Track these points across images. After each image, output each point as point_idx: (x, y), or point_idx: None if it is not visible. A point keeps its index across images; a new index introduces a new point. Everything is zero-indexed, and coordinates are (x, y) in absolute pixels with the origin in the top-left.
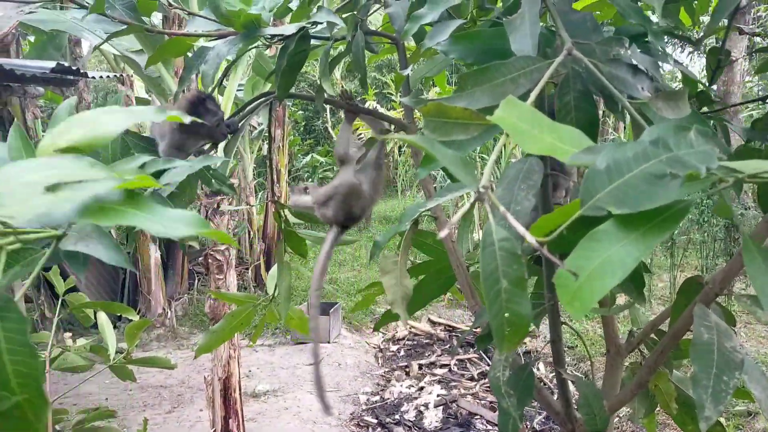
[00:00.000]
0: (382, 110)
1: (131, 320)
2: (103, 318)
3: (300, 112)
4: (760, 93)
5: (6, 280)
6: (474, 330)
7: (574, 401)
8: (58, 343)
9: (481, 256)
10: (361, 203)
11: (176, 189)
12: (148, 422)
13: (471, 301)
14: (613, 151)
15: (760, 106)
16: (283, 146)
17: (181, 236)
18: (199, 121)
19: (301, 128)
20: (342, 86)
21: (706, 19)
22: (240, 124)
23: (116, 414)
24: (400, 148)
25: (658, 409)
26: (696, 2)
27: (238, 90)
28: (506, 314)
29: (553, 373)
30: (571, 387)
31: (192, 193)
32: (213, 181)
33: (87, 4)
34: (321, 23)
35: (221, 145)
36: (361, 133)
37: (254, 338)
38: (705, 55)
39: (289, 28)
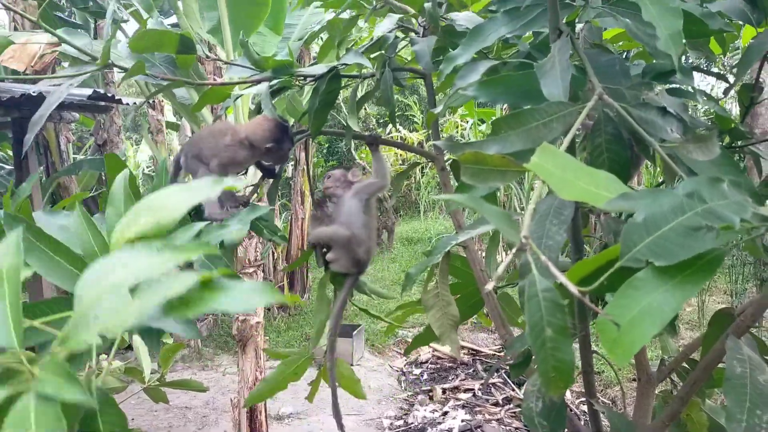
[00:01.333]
0: (404, 132)
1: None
2: (138, 340)
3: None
4: None
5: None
6: (506, 361)
7: None
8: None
9: (527, 307)
10: (363, 249)
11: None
12: None
13: (501, 330)
14: (650, 203)
15: None
16: (307, 168)
17: (260, 305)
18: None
19: (325, 150)
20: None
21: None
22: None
23: None
24: (422, 169)
25: None
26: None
27: None
28: (552, 361)
29: (579, 400)
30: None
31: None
32: (265, 231)
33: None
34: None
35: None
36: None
37: (311, 396)
38: (737, 92)
39: (319, 69)
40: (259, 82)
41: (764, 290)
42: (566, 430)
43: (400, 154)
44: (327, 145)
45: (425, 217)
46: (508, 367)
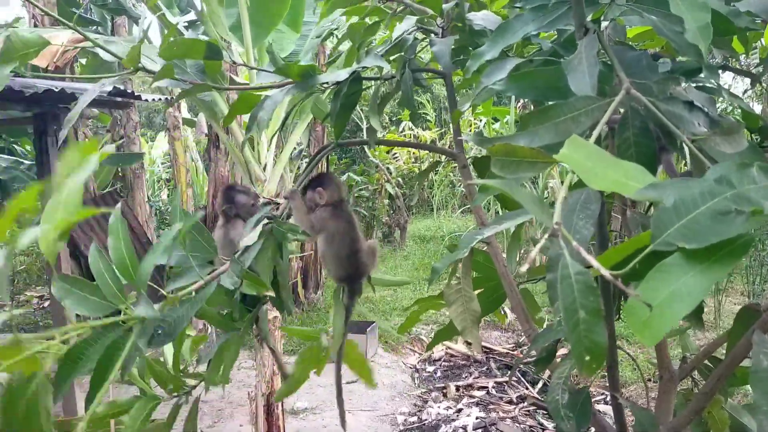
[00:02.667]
0: (418, 131)
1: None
2: None
3: None
4: None
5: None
6: (528, 357)
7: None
8: None
9: (560, 289)
10: (356, 258)
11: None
12: None
13: (525, 325)
14: (679, 189)
15: None
16: (321, 166)
17: None
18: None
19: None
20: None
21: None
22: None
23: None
24: (434, 167)
25: None
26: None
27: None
28: (585, 342)
29: (600, 396)
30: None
31: (275, 251)
32: (287, 234)
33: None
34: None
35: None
36: (396, 153)
37: (318, 371)
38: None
39: (341, 74)
40: (283, 86)
41: None
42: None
43: (413, 152)
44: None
45: (438, 215)
46: (528, 364)
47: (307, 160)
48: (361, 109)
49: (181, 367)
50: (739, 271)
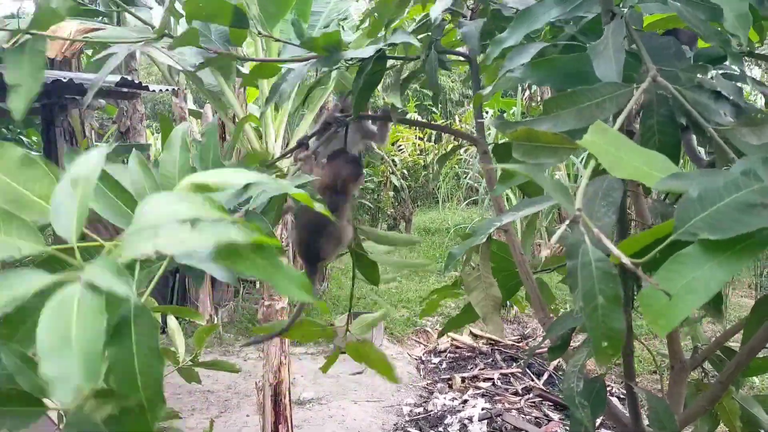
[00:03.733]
0: (424, 121)
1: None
2: (173, 322)
3: None
4: None
5: (133, 287)
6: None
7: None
8: None
9: (580, 275)
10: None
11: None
12: (208, 424)
13: (540, 314)
14: (704, 180)
15: None
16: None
17: (294, 298)
18: None
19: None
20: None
21: None
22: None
23: (180, 416)
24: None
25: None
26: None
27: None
28: (603, 329)
29: (609, 387)
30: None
31: (279, 212)
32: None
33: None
34: (397, 44)
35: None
36: (401, 145)
37: (325, 368)
38: None
39: (367, 51)
40: (307, 60)
41: None
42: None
43: (418, 144)
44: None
45: (443, 208)
46: (535, 355)
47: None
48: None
49: (190, 357)
50: (745, 266)
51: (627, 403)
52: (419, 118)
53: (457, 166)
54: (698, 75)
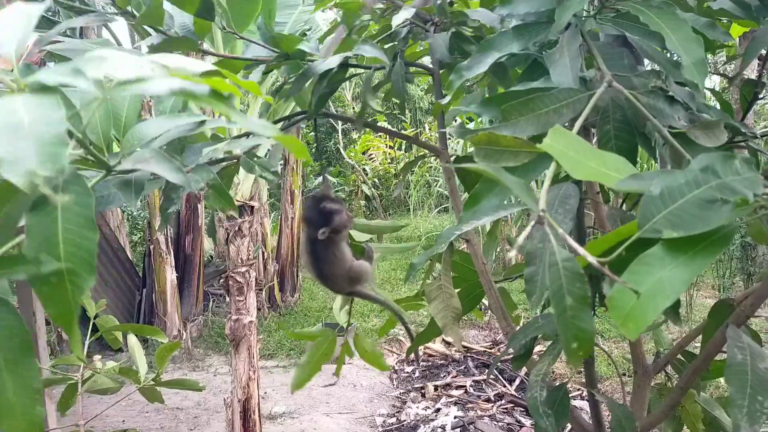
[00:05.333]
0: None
1: (147, 341)
2: (133, 340)
3: (312, 133)
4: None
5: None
6: (507, 354)
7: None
8: (88, 365)
9: (548, 276)
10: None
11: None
12: None
13: (503, 322)
14: (665, 179)
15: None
16: (296, 167)
17: (267, 135)
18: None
19: (314, 149)
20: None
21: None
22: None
23: None
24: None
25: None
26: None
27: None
28: (573, 330)
29: (576, 393)
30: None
31: (228, 183)
32: (256, 167)
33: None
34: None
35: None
36: (372, 154)
37: (337, 371)
38: (739, 87)
39: (333, 60)
40: (271, 62)
41: (764, 279)
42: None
43: (389, 153)
44: (315, 145)
45: (414, 216)
46: (505, 362)
47: (282, 163)
48: (336, 110)
49: (153, 377)
50: (709, 265)
51: (589, 409)
52: (389, 127)
53: (427, 174)
54: (653, 80)
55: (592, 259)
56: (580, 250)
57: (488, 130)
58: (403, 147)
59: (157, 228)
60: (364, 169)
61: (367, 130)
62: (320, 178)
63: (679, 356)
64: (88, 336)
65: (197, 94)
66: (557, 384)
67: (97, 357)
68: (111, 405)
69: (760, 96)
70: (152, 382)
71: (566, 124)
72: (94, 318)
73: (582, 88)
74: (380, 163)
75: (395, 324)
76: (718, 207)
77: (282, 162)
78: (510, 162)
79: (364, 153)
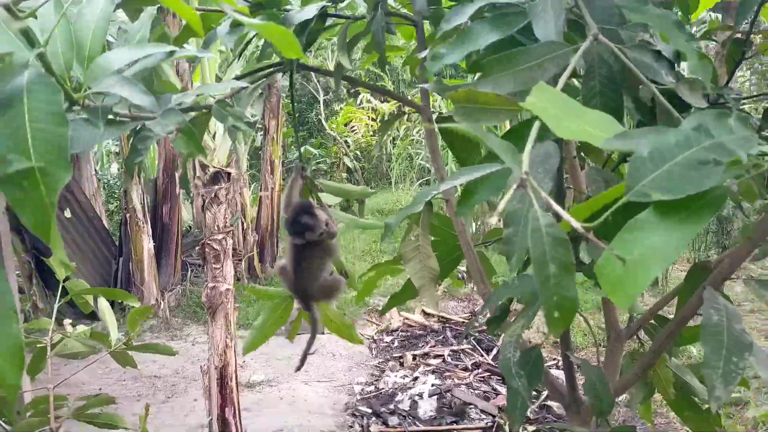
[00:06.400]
0: (375, 103)
1: (125, 310)
2: (104, 304)
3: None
4: (753, 89)
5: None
6: (470, 323)
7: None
8: (58, 329)
9: (530, 242)
10: (288, 284)
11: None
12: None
13: (480, 285)
14: (654, 138)
15: (756, 101)
16: (276, 137)
17: (247, 24)
18: None
19: (295, 119)
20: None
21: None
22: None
23: (116, 401)
24: (393, 140)
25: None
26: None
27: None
28: (555, 298)
29: (552, 362)
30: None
31: (201, 134)
32: (229, 117)
33: None
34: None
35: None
36: (354, 126)
37: (292, 335)
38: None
39: (309, 11)
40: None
41: (740, 242)
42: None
43: (371, 126)
44: (297, 115)
45: (396, 189)
46: (483, 332)
47: (262, 133)
48: (318, 80)
49: (123, 341)
50: (703, 224)
51: (563, 372)
52: (372, 99)
53: (410, 147)
54: (640, 34)
55: (577, 225)
56: (565, 215)
57: (468, 86)
58: (387, 119)
59: (122, 184)
60: (346, 141)
61: (350, 101)
62: (300, 153)
63: (652, 321)
64: (58, 299)
65: None
66: (532, 345)
67: (67, 321)
68: (80, 369)
69: (747, 56)
70: (123, 346)
71: (550, 81)
72: (64, 281)
73: (566, 41)
74: (362, 136)
75: (373, 288)
76: (710, 168)
77: (261, 132)
78: (491, 121)
79: (346, 125)
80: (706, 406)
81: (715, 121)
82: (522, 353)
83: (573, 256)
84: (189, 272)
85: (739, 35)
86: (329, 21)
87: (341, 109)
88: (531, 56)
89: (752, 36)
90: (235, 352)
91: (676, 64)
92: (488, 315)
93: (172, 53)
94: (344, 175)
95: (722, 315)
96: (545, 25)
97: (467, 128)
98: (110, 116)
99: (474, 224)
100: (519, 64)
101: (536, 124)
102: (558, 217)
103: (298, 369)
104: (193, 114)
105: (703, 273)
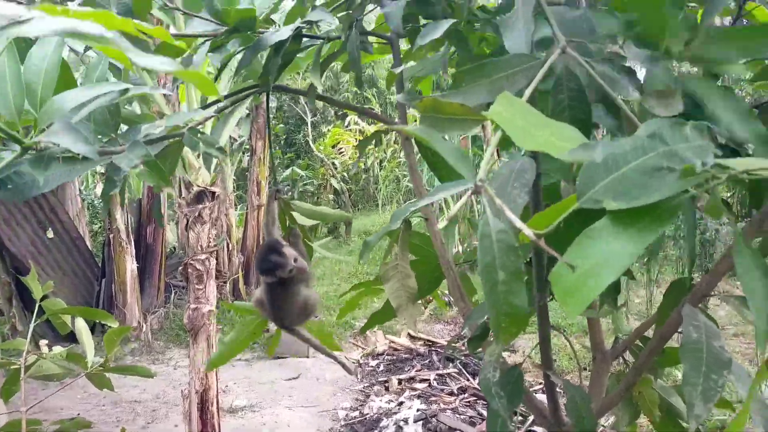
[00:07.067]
0: (363, 125)
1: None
2: (81, 324)
3: (281, 125)
4: None
5: None
6: (454, 344)
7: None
8: (34, 350)
9: (479, 248)
10: (266, 316)
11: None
12: None
13: (461, 303)
14: (609, 145)
15: None
16: (263, 158)
17: (166, 70)
18: None
19: (282, 141)
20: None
21: None
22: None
23: (92, 425)
24: (380, 162)
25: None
26: None
27: None
28: (504, 306)
29: (539, 387)
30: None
31: (174, 162)
32: (200, 144)
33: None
34: (315, 22)
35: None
36: (341, 148)
37: (270, 350)
38: None
39: (284, 32)
40: (217, 36)
41: (720, 258)
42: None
43: (355, 148)
44: (284, 136)
45: (383, 211)
46: (468, 356)
47: (249, 154)
48: (306, 103)
49: (100, 363)
50: (669, 262)
51: (545, 392)
52: (359, 121)
53: (397, 169)
54: (609, 45)
55: (529, 232)
56: (517, 222)
57: (437, 96)
58: (374, 141)
59: (101, 211)
60: (333, 163)
61: (337, 123)
62: (287, 172)
63: (637, 342)
64: (34, 319)
65: (90, 34)
66: (511, 365)
67: (43, 342)
68: (57, 391)
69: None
70: (100, 368)
71: (519, 93)
72: (41, 300)
73: (537, 54)
74: (350, 158)
75: (354, 307)
76: (663, 175)
77: (249, 153)
78: (456, 130)
79: (333, 147)
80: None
81: (671, 129)
82: (502, 373)
83: (522, 263)
84: (173, 294)
85: None
86: (305, 42)
87: (329, 131)
88: (500, 68)
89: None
90: (216, 376)
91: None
92: (469, 334)
93: (126, 91)
94: (331, 196)
95: (701, 332)
96: (516, 37)
97: (419, 133)
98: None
99: (461, 245)
100: (488, 75)
101: (497, 134)
102: (513, 227)
103: (350, 372)
104: (166, 143)
105: (683, 290)
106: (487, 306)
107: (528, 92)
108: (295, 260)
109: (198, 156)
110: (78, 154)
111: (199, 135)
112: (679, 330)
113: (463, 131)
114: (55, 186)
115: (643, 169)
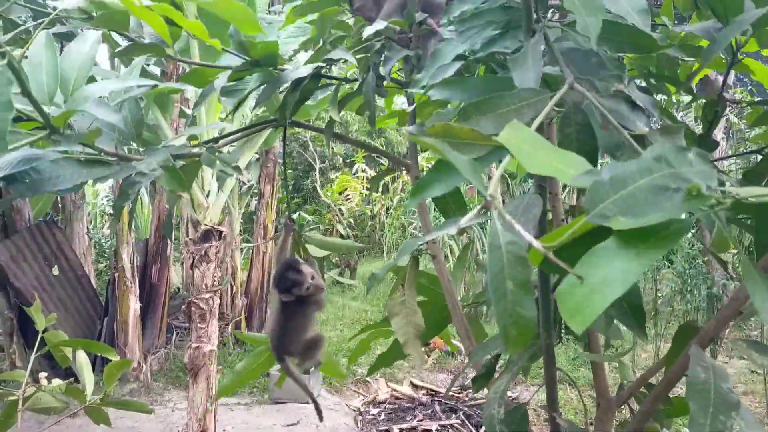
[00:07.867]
0: (370, 172)
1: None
2: (82, 358)
3: (290, 171)
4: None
5: None
6: (457, 394)
7: None
8: (32, 383)
9: (488, 258)
10: (272, 340)
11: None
12: None
13: (466, 342)
14: (615, 167)
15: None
16: (271, 203)
17: None
18: None
19: (291, 186)
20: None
21: None
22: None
23: None
24: (387, 210)
25: None
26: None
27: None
28: (512, 316)
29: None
30: None
31: (190, 180)
32: (217, 162)
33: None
34: (335, 62)
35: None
36: (348, 194)
37: (279, 383)
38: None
39: (303, 71)
40: (243, 70)
41: (727, 302)
42: None
43: (365, 195)
44: (292, 182)
45: (388, 257)
46: (473, 406)
47: (256, 198)
48: (315, 150)
49: (99, 396)
50: (676, 317)
51: None
52: (367, 168)
53: (403, 217)
54: (615, 84)
55: (538, 245)
56: (527, 235)
57: (447, 122)
58: (380, 189)
59: (107, 226)
60: (340, 209)
61: (345, 170)
62: (294, 216)
63: (642, 390)
64: (35, 351)
65: None
66: (518, 403)
67: (42, 374)
68: (52, 425)
69: (722, 115)
70: (98, 402)
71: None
72: (43, 332)
73: (545, 89)
74: (356, 204)
75: (366, 349)
76: (670, 195)
77: (256, 197)
78: (467, 155)
79: (340, 193)
80: None
81: (676, 153)
82: (507, 412)
83: (531, 273)
84: (174, 335)
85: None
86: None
87: (336, 177)
88: (510, 101)
89: (724, 94)
90: (215, 418)
91: (653, 114)
92: (473, 373)
93: (155, 86)
94: None
95: (709, 373)
96: (525, 73)
97: (435, 143)
98: (94, 153)
99: (471, 291)
100: (497, 108)
101: (506, 158)
102: (525, 242)
103: (321, 419)
104: (182, 162)
105: (691, 333)
106: (495, 317)
107: (537, 122)
108: (312, 278)
109: (207, 195)
110: (99, 153)
111: (216, 154)
112: (686, 374)
113: (471, 155)
114: (71, 185)
115: (650, 187)
